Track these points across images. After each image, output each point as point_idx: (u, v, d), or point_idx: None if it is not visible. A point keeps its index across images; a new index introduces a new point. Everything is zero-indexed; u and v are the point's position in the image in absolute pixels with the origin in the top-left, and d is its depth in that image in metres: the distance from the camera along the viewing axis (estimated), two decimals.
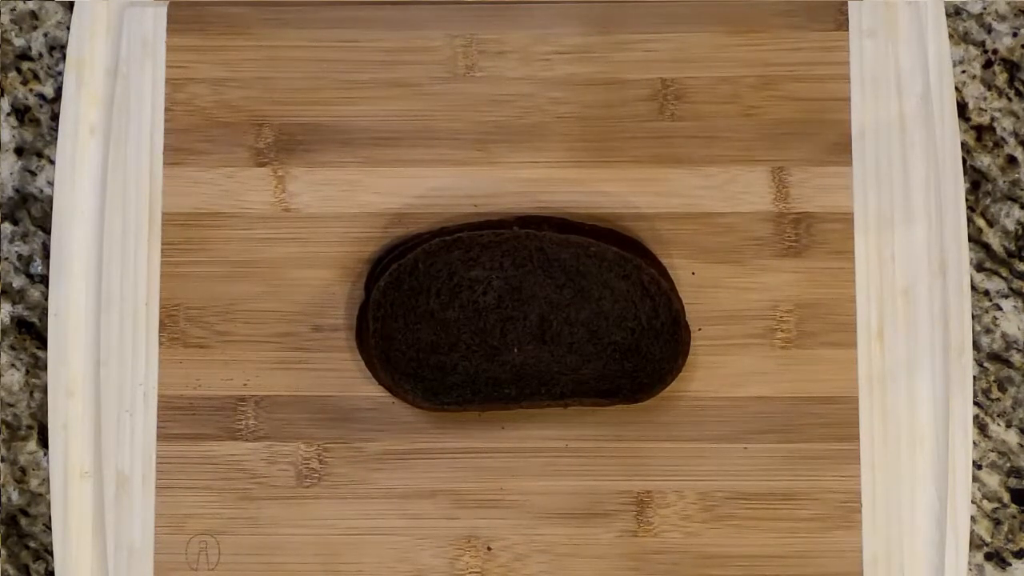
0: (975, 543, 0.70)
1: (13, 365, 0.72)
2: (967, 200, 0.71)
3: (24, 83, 0.73)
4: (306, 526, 0.68)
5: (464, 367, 0.66)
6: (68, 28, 0.72)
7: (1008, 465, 0.71)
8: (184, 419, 0.69)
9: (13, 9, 0.74)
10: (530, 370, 0.67)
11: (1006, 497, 0.71)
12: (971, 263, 0.71)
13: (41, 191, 0.73)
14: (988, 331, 0.71)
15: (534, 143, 0.70)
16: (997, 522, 0.70)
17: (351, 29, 0.71)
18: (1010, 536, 0.70)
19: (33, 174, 0.73)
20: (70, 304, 0.70)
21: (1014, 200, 0.72)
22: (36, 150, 0.73)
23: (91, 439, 0.69)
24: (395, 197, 0.70)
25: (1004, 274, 0.72)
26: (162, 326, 0.70)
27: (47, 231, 0.72)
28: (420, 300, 0.66)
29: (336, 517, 0.68)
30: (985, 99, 0.73)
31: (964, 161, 0.71)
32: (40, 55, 0.74)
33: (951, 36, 0.72)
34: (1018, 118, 0.72)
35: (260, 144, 0.71)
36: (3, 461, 0.71)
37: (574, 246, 0.66)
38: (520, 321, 0.67)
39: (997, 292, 0.72)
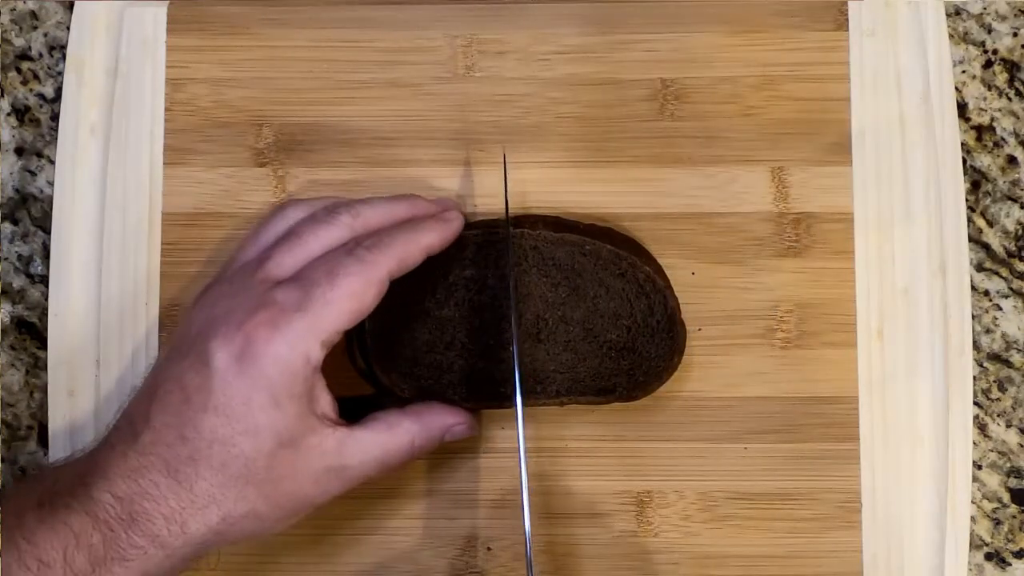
0: (975, 543, 0.70)
1: (13, 365, 0.72)
2: (967, 200, 0.71)
3: (24, 83, 0.74)
4: (306, 526, 0.68)
5: (460, 366, 0.66)
6: (68, 28, 0.72)
7: (1008, 465, 0.71)
8: None
9: (13, 9, 0.74)
10: (526, 368, 0.66)
11: (1006, 497, 0.70)
12: (971, 263, 0.71)
13: (41, 191, 0.73)
14: (988, 331, 0.71)
15: (534, 143, 0.70)
16: (997, 522, 0.70)
17: (351, 29, 0.71)
18: (1010, 536, 0.70)
19: (33, 174, 0.73)
20: (70, 304, 0.70)
21: (1014, 200, 0.72)
22: (36, 150, 0.73)
23: (91, 439, 0.69)
24: None
25: (1004, 274, 0.71)
26: (162, 326, 0.70)
27: (47, 231, 0.72)
28: (416, 299, 0.66)
29: (336, 517, 0.68)
30: (985, 99, 0.72)
31: (964, 161, 0.71)
32: (40, 55, 0.74)
33: (951, 36, 0.72)
34: (1018, 118, 0.72)
35: (260, 144, 0.71)
36: (3, 461, 0.71)
37: (568, 245, 0.66)
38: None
39: (997, 292, 0.71)
